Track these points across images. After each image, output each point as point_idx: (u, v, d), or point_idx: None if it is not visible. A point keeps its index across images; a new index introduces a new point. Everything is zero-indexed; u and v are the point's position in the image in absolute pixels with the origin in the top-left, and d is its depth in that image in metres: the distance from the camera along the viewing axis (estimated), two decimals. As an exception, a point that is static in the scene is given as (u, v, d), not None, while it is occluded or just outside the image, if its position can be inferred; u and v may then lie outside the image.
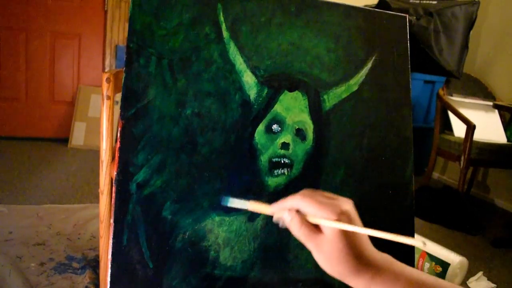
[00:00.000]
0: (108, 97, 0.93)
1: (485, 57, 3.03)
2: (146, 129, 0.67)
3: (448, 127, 2.66)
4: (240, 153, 0.71)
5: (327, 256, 0.45)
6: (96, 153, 2.73)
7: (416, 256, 1.58)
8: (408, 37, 0.86)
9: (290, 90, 0.75)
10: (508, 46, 2.86)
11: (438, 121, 2.65)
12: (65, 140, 2.97)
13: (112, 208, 0.65)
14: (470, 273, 1.62)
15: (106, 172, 0.94)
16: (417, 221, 2.17)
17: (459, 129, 2.55)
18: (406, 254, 0.82)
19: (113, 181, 0.66)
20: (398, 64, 0.85)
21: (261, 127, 0.73)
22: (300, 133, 0.75)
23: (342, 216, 0.45)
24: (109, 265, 0.63)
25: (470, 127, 2.33)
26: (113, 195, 0.65)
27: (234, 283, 0.70)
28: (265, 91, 0.73)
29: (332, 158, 0.77)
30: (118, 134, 0.66)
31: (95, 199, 2.02)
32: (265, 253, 0.72)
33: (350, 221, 0.45)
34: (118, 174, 0.65)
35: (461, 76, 2.22)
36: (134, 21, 0.68)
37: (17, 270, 1.28)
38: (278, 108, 0.74)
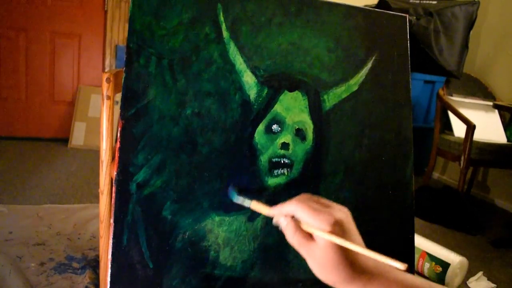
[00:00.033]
0: (108, 97, 0.93)
1: (485, 57, 3.03)
2: (146, 129, 0.67)
3: (448, 127, 2.66)
4: (240, 153, 0.71)
5: (320, 264, 0.45)
6: (96, 153, 2.73)
7: (416, 256, 1.58)
8: (408, 37, 0.86)
9: (290, 90, 0.75)
10: (508, 46, 2.86)
11: (438, 121, 2.65)
12: (65, 140, 2.97)
13: (112, 208, 0.65)
14: (470, 273, 1.62)
15: (106, 172, 0.94)
16: (417, 221, 2.17)
17: (459, 129, 2.55)
18: (405, 255, 0.82)
19: (113, 181, 0.66)
20: (398, 64, 0.85)
21: (261, 127, 0.73)
22: (300, 133, 0.75)
23: (335, 226, 0.45)
24: (109, 265, 0.63)
25: (470, 127, 2.33)
26: (113, 195, 0.65)
27: (234, 283, 0.70)
28: (265, 91, 0.73)
29: (332, 158, 0.77)
30: (118, 134, 0.66)
31: (95, 199, 2.02)
32: (265, 253, 0.72)
33: (343, 231, 0.45)
34: (118, 174, 0.65)
35: (461, 76, 2.22)
36: (134, 21, 0.68)
37: (17, 270, 1.28)
38: (278, 108, 0.74)
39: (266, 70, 0.74)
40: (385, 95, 0.83)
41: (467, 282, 1.58)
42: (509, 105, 2.32)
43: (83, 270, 1.34)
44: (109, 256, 0.64)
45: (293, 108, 0.75)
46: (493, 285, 1.59)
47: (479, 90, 2.83)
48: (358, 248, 0.43)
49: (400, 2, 2.17)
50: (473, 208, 2.62)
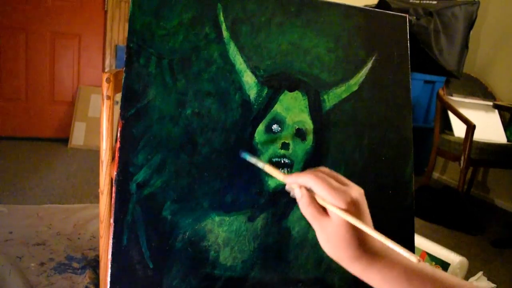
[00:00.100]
0: (108, 97, 0.93)
1: (485, 57, 3.03)
2: (146, 129, 0.67)
3: (448, 127, 2.66)
4: (240, 153, 0.71)
5: (330, 239, 0.45)
6: (96, 153, 2.73)
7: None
8: (408, 37, 0.86)
9: (290, 90, 0.75)
10: (508, 46, 2.86)
11: (438, 121, 2.66)
12: (65, 140, 2.97)
13: (112, 208, 0.65)
14: (470, 273, 1.62)
15: (106, 172, 0.94)
16: (417, 221, 2.17)
17: (459, 129, 2.56)
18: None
19: (113, 181, 0.66)
20: (398, 64, 0.85)
21: (261, 127, 0.73)
22: (300, 133, 0.75)
23: (351, 205, 0.45)
24: (109, 265, 0.63)
25: (470, 127, 2.33)
26: (113, 195, 0.65)
27: (234, 283, 0.70)
28: (265, 91, 0.73)
29: (332, 158, 0.77)
30: (118, 134, 0.66)
31: (95, 199, 2.02)
32: (265, 253, 0.72)
33: (358, 210, 0.45)
34: (118, 174, 0.65)
35: (461, 76, 2.22)
36: (134, 21, 0.68)
37: (17, 270, 1.28)
38: (278, 108, 0.74)
39: (266, 70, 0.74)
40: (385, 95, 0.83)
41: (467, 282, 1.58)
42: (509, 105, 2.32)
43: (83, 270, 1.34)
44: (109, 256, 0.64)
45: (293, 108, 0.75)
46: (493, 285, 1.59)
47: (479, 90, 2.83)
48: (373, 231, 0.44)
49: (400, 2, 2.17)
50: (473, 208, 2.62)
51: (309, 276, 0.74)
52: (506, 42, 2.87)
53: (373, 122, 0.81)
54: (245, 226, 0.71)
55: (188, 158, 0.68)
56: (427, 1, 2.16)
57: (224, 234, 0.70)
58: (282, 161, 0.73)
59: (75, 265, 1.38)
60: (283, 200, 0.73)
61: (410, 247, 0.83)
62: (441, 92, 2.65)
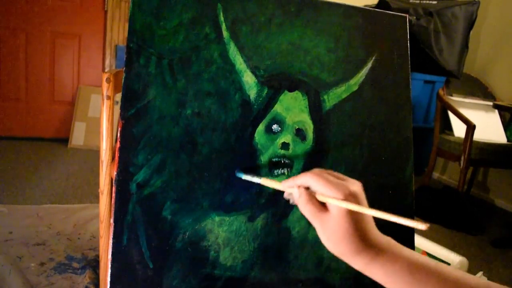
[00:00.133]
0: (108, 97, 0.93)
1: (485, 57, 3.03)
2: (146, 129, 0.67)
3: (448, 127, 2.66)
4: (240, 153, 0.71)
5: (331, 234, 0.45)
6: (96, 153, 2.73)
7: (416, 256, 1.57)
8: (408, 37, 0.86)
9: (290, 90, 0.75)
10: (508, 46, 2.86)
11: (438, 121, 2.66)
12: (65, 140, 2.97)
13: (112, 208, 0.65)
14: (470, 273, 1.61)
15: (106, 172, 0.94)
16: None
17: (459, 129, 2.56)
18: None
19: (113, 181, 0.66)
20: (398, 64, 0.85)
21: (261, 127, 0.73)
22: (300, 133, 0.75)
23: (350, 197, 0.45)
24: (109, 265, 0.63)
25: (470, 127, 2.33)
26: (113, 195, 0.65)
27: (234, 283, 0.70)
28: (265, 91, 0.73)
29: (332, 158, 0.77)
30: (118, 134, 0.66)
31: (95, 199, 2.02)
32: (265, 253, 0.72)
33: (357, 202, 0.45)
34: (118, 174, 0.65)
35: (461, 76, 2.22)
36: (134, 21, 0.68)
37: (17, 270, 1.28)
38: (278, 108, 0.74)
39: (266, 70, 0.74)
40: (385, 95, 0.83)
41: (467, 282, 1.58)
42: (509, 105, 2.32)
43: (83, 270, 1.34)
44: (109, 256, 0.64)
45: (293, 108, 0.75)
46: (493, 285, 1.59)
47: (479, 90, 2.83)
48: (375, 212, 0.43)
49: (400, 2, 2.17)
50: (473, 208, 2.62)
51: (309, 276, 0.74)
52: (506, 42, 2.87)
53: (373, 122, 0.81)
54: (245, 226, 0.71)
55: (188, 158, 0.68)
56: (427, 1, 2.16)
57: (224, 234, 0.70)
58: (282, 161, 0.73)
59: (75, 265, 1.38)
60: (283, 200, 0.73)
61: (410, 247, 0.83)
62: (441, 92, 2.65)
